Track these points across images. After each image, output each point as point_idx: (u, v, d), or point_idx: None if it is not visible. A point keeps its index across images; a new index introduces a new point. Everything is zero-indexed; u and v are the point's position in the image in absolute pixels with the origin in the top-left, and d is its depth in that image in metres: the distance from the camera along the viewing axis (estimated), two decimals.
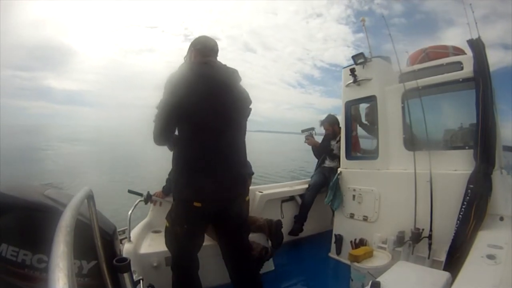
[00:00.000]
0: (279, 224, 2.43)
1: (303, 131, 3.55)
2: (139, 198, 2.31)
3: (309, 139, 3.50)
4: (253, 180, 2.56)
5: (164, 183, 2.44)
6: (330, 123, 3.41)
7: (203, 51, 1.64)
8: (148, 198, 2.34)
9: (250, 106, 1.71)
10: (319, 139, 3.53)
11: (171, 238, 1.66)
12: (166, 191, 2.41)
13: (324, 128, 3.48)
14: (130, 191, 2.34)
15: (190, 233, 1.60)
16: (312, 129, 3.52)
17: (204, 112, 1.50)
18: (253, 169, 2.48)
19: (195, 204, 1.50)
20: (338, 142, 3.24)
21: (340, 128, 3.21)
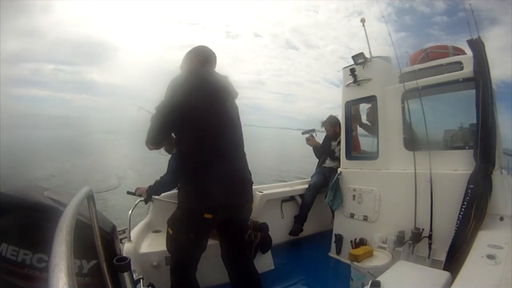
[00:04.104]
0: (265, 227, 2.40)
1: (303, 132, 3.60)
2: (139, 198, 2.30)
3: (310, 139, 3.55)
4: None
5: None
6: (331, 124, 3.42)
7: (206, 63, 1.64)
8: (149, 198, 2.33)
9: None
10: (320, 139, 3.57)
11: (174, 244, 1.60)
12: (151, 192, 2.25)
13: (325, 129, 3.49)
14: (129, 192, 2.34)
15: (196, 242, 1.56)
16: (313, 130, 3.58)
17: (213, 116, 1.48)
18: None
19: (206, 216, 1.43)
20: (339, 142, 3.25)
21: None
